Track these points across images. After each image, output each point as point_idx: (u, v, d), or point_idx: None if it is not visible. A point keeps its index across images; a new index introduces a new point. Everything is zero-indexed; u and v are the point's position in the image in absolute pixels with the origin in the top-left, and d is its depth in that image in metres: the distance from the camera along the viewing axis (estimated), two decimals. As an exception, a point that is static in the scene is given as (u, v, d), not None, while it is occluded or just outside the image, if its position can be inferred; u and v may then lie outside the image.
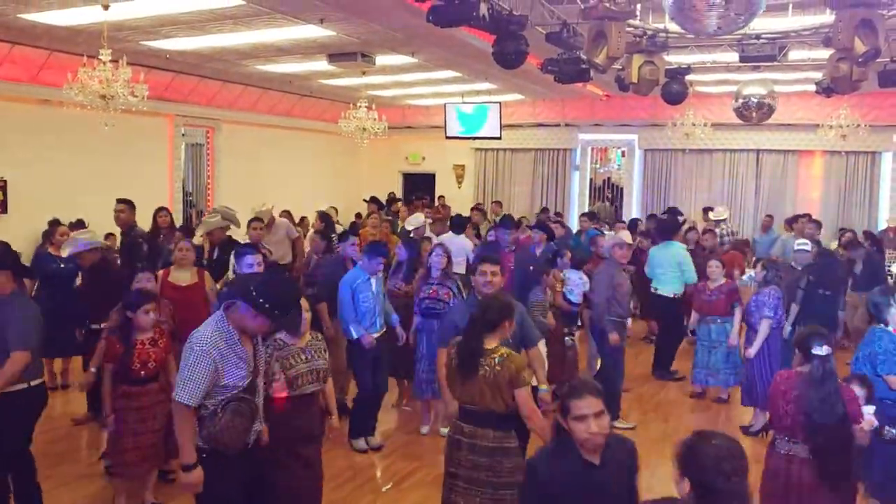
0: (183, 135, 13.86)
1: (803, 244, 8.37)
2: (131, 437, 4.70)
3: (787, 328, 7.41)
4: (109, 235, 9.73)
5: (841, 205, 15.16)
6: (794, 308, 7.59)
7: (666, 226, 9.39)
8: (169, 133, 13.40)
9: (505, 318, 3.91)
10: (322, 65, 11.41)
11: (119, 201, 7.93)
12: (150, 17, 8.56)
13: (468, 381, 3.79)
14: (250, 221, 8.11)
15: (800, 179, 15.59)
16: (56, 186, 10.86)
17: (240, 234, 8.88)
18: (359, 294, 6.09)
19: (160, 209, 8.94)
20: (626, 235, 7.65)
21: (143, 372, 4.70)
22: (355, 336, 6.06)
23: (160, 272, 6.03)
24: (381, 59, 11.00)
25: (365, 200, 12.86)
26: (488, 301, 4.09)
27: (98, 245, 6.48)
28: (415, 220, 9.45)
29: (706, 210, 14.12)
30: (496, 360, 3.76)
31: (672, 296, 8.56)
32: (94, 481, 5.51)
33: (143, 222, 8.53)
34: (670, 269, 8.55)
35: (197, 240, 8.35)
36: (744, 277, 9.22)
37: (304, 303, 4.24)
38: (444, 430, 6.61)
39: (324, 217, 10.40)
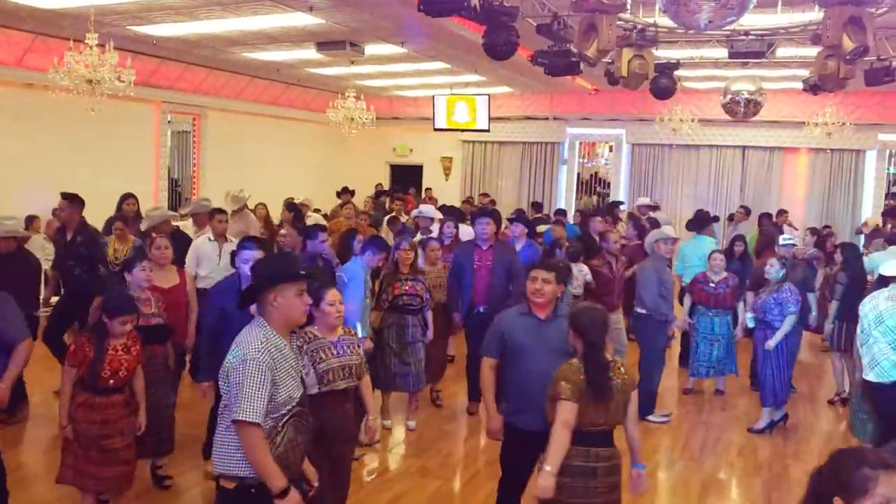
0: (169, 121, 13.76)
1: (789, 239, 8.41)
2: (96, 451, 4.22)
3: (829, 326, 7.50)
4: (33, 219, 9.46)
5: (825, 202, 15.31)
6: (834, 304, 7.53)
7: (696, 219, 9.30)
8: (155, 120, 13.30)
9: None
10: (310, 53, 11.35)
11: (63, 196, 7.09)
12: (138, 1, 8.47)
13: (603, 400, 3.52)
14: (213, 212, 7.36)
15: (785, 176, 15.73)
16: (40, 172, 10.74)
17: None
18: (366, 288, 5.94)
19: (127, 196, 8.54)
20: (669, 230, 7.58)
21: (111, 381, 4.23)
22: (361, 335, 5.71)
23: None
24: (370, 49, 10.95)
25: (338, 193, 12.59)
26: (598, 309, 3.84)
27: (14, 234, 6.14)
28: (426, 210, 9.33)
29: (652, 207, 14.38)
30: (620, 368, 3.62)
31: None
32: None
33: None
34: (700, 263, 8.36)
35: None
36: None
37: (336, 294, 4.02)
38: (412, 423, 6.57)
39: (292, 207, 10.00)
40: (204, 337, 4.82)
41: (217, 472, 3.03)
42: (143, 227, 7.53)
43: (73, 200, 7.00)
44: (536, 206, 14.06)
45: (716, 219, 11.21)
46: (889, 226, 11.43)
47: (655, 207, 13.44)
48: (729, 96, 10.70)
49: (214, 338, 4.63)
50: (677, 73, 10.43)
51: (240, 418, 2.87)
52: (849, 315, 7.53)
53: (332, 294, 3.97)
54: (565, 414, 3.42)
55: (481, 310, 6.71)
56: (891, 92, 13.12)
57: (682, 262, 8.75)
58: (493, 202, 15.04)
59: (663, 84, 10.08)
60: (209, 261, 6.84)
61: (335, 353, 3.92)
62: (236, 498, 2.96)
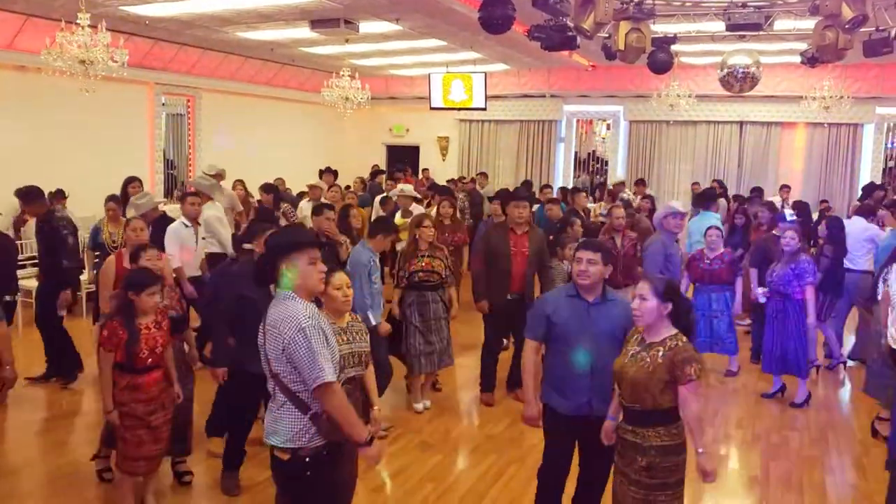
0: (163, 104, 13.66)
1: (792, 215, 8.41)
2: (145, 430, 4.30)
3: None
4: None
5: (822, 176, 15.28)
6: (819, 277, 7.55)
7: (702, 196, 9.25)
8: (149, 101, 13.21)
9: None
10: (304, 32, 11.26)
11: (15, 195, 7.12)
12: (129, -21, 8.40)
13: None
14: (185, 195, 7.30)
15: (782, 151, 15.67)
16: (34, 155, 10.67)
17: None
18: (372, 275, 5.84)
19: (132, 179, 8.61)
20: (678, 204, 7.52)
21: (150, 359, 4.30)
22: (374, 323, 5.73)
23: (113, 255, 5.64)
24: (365, 27, 10.86)
25: (320, 172, 12.55)
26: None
27: None
28: (404, 189, 9.28)
29: (639, 182, 14.58)
30: None
31: None
32: (86, 489, 4.90)
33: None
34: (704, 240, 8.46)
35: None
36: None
37: (344, 278, 3.91)
38: (420, 406, 6.43)
39: (270, 189, 9.91)
40: (217, 323, 4.79)
41: (271, 444, 3.14)
42: (128, 214, 7.41)
43: (24, 196, 6.95)
44: (526, 185, 14.02)
45: (722, 195, 11.22)
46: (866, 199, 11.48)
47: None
48: (726, 70, 10.64)
49: (231, 324, 4.68)
50: (674, 48, 10.38)
51: (322, 381, 2.96)
52: (831, 287, 7.62)
53: (338, 278, 3.87)
54: (700, 394, 3.42)
55: (515, 296, 6.47)
56: (889, 64, 13.08)
57: (688, 238, 8.76)
58: (473, 181, 15.02)
59: (661, 58, 10.04)
60: (187, 246, 6.84)
61: (345, 339, 3.81)
62: (291, 467, 3.10)
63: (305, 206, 9.72)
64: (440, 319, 6.36)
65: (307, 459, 3.08)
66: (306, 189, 10.76)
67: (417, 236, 6.33)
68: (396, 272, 6.41)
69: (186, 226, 7.02)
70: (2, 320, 4.40)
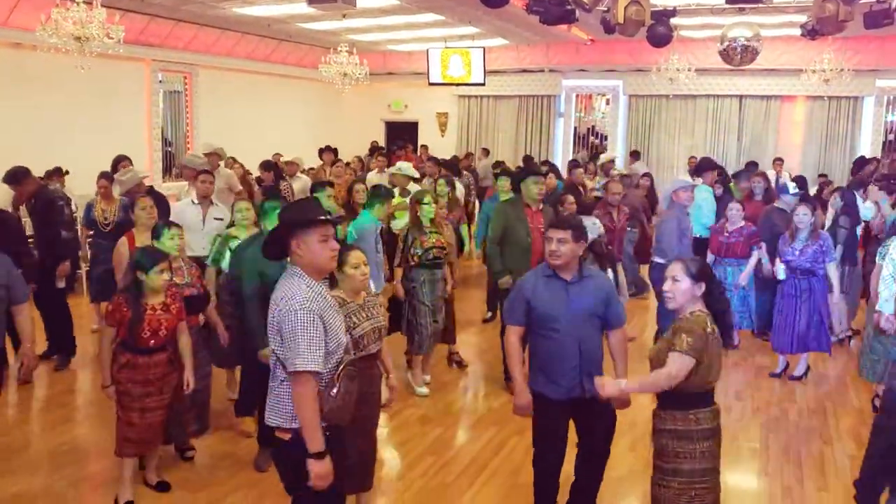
0: (160, 81, 13.57)
1: (795, 189, 8.36)
2: (137, 412, 4.24)
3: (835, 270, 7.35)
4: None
5: (822, 150, 15.25)
6: (839, 249, 7.44)
7: (697, 167, 9.20)
8: (146, 78, 13.12)
9: None
10: (301, 7, 11.15)
11: (3, 181, 7.05)
12: (124, -45, 8.32)
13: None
14: (199, 173, 7.11)
15: (782, 125, 15.63)
16: (30, 134, 10.62)
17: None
18: (377, 244, 5.77)
19: (121, 158, 8.48)
20: (687, 178, 7.47)
21: (152, 341, 4.21)
22: (375, 293, 5.72)
23: (124, 237, 5.49)
24: (362, 1, 10.74)
25: (320, 151, 12.46)
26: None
27: None
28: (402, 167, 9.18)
29: (633, 154, 14.69)
30: None
31: (697, 237, 8.30)
32: (99, 455, 5.00)
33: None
34: (695, 211, 8.29)
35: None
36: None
37: (360, 256, 3.84)
38: (425, 390, 6.29)
39: (269, 166, 9.80)
40: (249, 304, 4.67)
41: (272, 424, 3.06)
42: (115, 193, 7.30)
43: (12, 179, 6.87)
44: (527, 160, 13.97)
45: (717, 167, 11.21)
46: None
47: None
48: (726, 43, 10.59)
49: (264, 300, 4.61)
50: (674, 21, 10.31)
51: (298, 368, 2.86)
52: (850, 258, 7.64)
53: (355, 256, 3.83)
54: (676, 367, 3.19)
55: None
56: (889, 36, 13.01)
57: None
58: (467, 156, 14.95)
59: (660, 32, 9.99)
60: (192, 226, 6.54)
61: (365, 315, 3.79)
62: (292, 447, 3.01)
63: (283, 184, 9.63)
64: (443, 297, 6.36)
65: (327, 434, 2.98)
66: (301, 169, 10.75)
67: (419, 213, 6.19)
68: (404, 250, 6.22)
69: (195, 203, 6.91)
70: (25, 300, 4.41)
